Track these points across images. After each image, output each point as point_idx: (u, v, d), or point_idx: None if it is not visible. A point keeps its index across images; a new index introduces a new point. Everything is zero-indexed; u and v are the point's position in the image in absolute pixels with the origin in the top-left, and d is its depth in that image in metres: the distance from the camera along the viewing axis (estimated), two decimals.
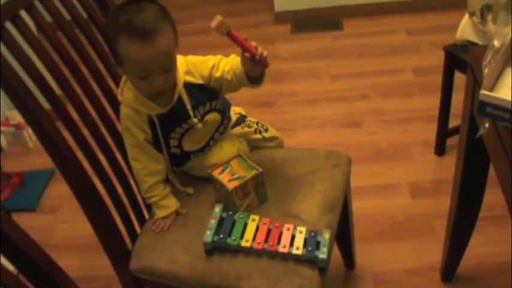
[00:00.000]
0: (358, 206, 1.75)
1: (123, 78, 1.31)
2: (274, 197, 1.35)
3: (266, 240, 1.21)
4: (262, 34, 3.25)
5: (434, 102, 2.13)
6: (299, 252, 1.18)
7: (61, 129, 1.18)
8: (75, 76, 1.27)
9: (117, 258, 1.32)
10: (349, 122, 2.46)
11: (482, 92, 0.99)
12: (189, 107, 1.29)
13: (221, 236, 1.22)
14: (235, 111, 1.50)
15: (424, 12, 3.23)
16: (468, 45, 1.81)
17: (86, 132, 1.27)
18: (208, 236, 1.22)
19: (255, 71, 1.21)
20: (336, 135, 2.40)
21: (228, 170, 1.32)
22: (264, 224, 1.24)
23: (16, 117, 2.54)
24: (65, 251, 1.99)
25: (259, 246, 1.20)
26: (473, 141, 1.23)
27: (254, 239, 1.21)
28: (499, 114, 0.99)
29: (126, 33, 1.13)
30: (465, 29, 1.85)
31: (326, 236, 1.20)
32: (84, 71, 1.30)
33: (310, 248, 1.18)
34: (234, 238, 1.21)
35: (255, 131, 1.49)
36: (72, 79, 1.26)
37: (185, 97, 1.28)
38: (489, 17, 1.74)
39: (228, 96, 1.41)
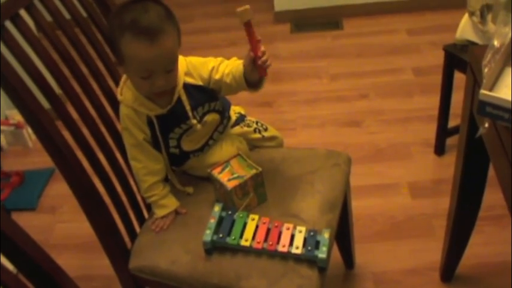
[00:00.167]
0: (357, 205, 1.75)
1: (123, 77, 1.31)
2: (273, 196, 1.35)
3: (265, 240, 1.21)
4: (262, 33, 3.18)
5: (434, 101, 2.13)
6: (298, 251, 1.18)
7: (61, 128, 1.18)
8: (74, 75, 1.27)
9: (116, 258, 1.32)
10: (349, 122, 2.46)
11: (482, 91, 0.99)
12: (188, 108, 1.29)
13: (220, 236, 1.22)
14: (235, 111, 1.50)
15: (423, 12, 3.23)
16: (468, 45, 1.81)
17: (85, 131, 1.27)
18: (208, 235, 1.22)
19: (252, 75, 1.22)
20: (336, 134, 2.40)
21: (227, 169, 1.32)
22: (264, 223, 1.24)
23: (16, 116, 2.54)
24: (65, 250, 1.99)
25: (259, 246, 1.20)
26: (473, 141, 1.23)
27: (253, 238, 1.21)
28: (499, 114, 0.99)
29: (130, 32, 1.13)
30: (465, 28, 1.85)
31: (326, 235, 1.20)
32: (84, 70, 1.30)
33: (309, 248, 1.18)
34: (233, 237, 1.21)
35: (255, 131, 1.49)
36: (71, 78, 1.26)
37: (184, 98, 1.28)
38: (489, 17, 1.74)
39: (228, 95, 1.41)
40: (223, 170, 1.32)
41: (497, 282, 1.68)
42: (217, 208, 1.27)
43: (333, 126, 2.46)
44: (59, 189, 2.24)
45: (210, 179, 1.34)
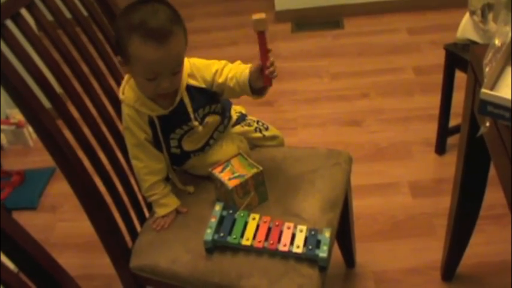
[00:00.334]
0: (358, 204, 1.75)
1: (126, 77, 1.30)
2: (274, 195, 1.35)
3: (266, 239, 1.21)
4: None
5: (434, 101, 2.13)
6: (299, 250, 1.18)
7: (62, 127, 1.18)
8: (75, 74, 1.27)
9: (117, 257, 1.33)
10: (349, 121, 2.46)
11: (483, 90, 0.99)
12: (190, 109, 1.28)
13: (221, 235, 1.22)
14: (235, 110, 1.50)
15: (424, 11, 3.23)
16: (469, 44, 1.81)
17: (86, 130, 1.27)
18: (209, 234, 1.22)
19: (257, 83, 1.22)
20: (337, 134, 2.40)
21: (228, 168, 1.32)
22: (265, 222, 1.24)
23: (16, 115, 2.54)
24: (66, 249, 1.99)
25: (260, 245, 1.20)
26: (473, 140, 1.23)
27: (254, 237, 1.21)
28: (500, 113, 0.99)
29: (139, 33, 1.12)
30: (466, 27, 1.85)
31: (326, 234, 1.20)
32: (85, 69, 1.30)
33: (310, 247, 1.18)
34: (234, 237, 1.21)
35: (256, 130, 1.49)
36: (72, 77, 1.26)
37: (187, 100, 1.28)
38: (490, 16, 1.74)
39: (230, 98, 1.41)
40: (224, 169, 1.32)
41: (498, 282, 1.68)
42: (218, 207, 1.27)
43: (333, 125, 2.46)
44: (59, 189, 2.25)
45: (211, 178, 1.34)
